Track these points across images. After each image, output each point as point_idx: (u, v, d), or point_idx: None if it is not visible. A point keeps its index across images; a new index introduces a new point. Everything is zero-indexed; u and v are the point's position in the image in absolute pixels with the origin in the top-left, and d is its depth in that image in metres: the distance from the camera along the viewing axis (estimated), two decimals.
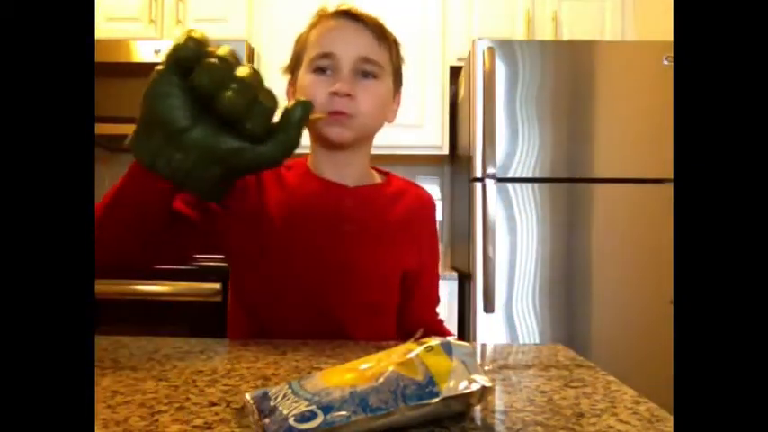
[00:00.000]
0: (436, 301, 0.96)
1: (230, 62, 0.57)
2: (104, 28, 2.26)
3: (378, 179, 0.90)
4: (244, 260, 0.82)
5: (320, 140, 0.82)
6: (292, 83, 0.87)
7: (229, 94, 0.55)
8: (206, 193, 0.63)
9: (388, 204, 0.87)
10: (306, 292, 0.79)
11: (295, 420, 0.32)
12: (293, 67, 0.86)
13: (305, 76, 0.80)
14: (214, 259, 1.90)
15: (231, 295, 0.87)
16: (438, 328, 0.93)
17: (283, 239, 0.79)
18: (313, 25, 0.83)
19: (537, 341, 1.78)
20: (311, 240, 0.79)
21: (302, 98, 0.79)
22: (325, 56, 0.78)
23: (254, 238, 0.79)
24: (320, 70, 0.78)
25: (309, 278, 0.79)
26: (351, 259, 0.80)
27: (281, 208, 0.80)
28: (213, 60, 0.55)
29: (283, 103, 0.66)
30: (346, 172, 0.84)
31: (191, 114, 0.57)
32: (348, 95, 0.76)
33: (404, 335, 0.88)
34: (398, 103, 0.88)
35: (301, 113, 0.61)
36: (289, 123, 0.60)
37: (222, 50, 0.57)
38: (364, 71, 0.79)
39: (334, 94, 0.76)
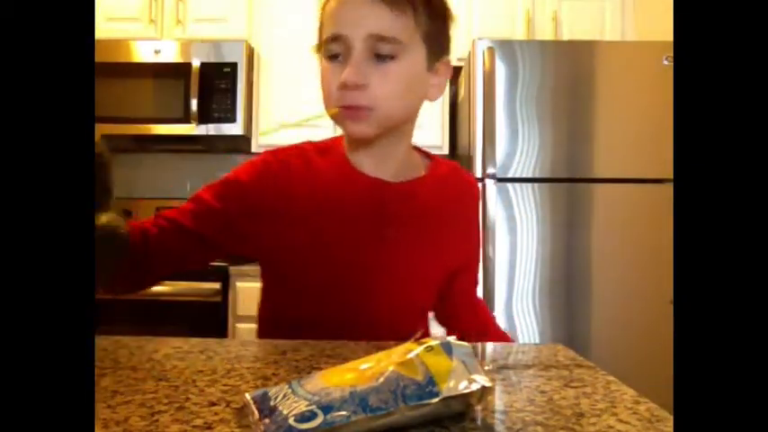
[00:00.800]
0: (476, 284, 0.93)
1: None
2: (104, 28, 2.26)
3: (421, 167, 0.80)
4: (270, 260, 0.76)
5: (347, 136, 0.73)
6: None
7: None
8: None
9: (431, 200, 0.78)
10: (340, 295, 0.73)
11: (295, 420, 0.32)
12: (318, 47, 0.74)
13: (321, 63, 0.71)
14: None
15: (263, 298, 0.82)
16: (498, 331, 0.89)
17: (316, 238, 0.72)
18: None
19: (537, 341, 1.78)
20: (347, 243, 0.73)
21: (321, 91, 0.70)
22: (335, 39, 0.67)
23: (279, 236, 0.72)
24: (333, 56, 0.68)
25: (343, 282, 0.73)
26: (390, 263, 0.74)
27: (312, 202, 0.72)
28: None
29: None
30: (386, 165, 0.75)
31: None
32: (358, 86, 0.65)
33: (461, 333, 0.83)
34: (446, 74, 0.75)
35: None
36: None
37: None
38: (378, 53, 0.66)
39: (343, 86, 0.66)
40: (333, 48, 0.68)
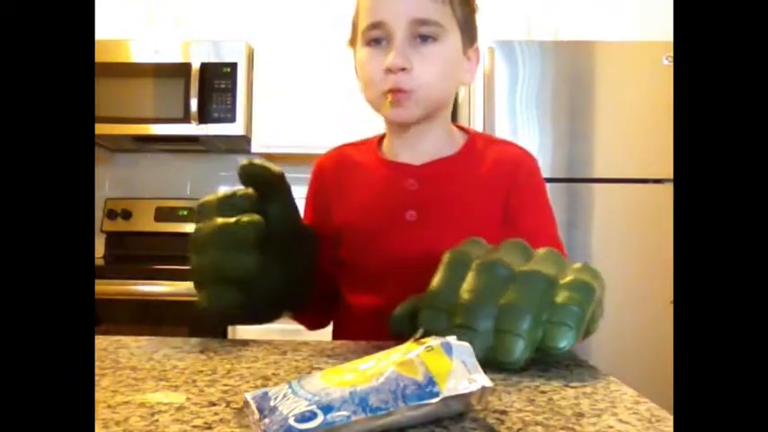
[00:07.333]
0: None
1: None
2: (104, 28, 2.26)
3: (460, 143, 0.80)
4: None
5: (388, 122, 0.78)
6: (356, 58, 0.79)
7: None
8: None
9: (461, 177, 0.77)
10: (376, 286, 0.75)
11: (295, 420, 0.32)
12: (352, 40, 0.78)
13: (360, 51, 0.73)
14: None
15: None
16: None
17: (350, 227, 0.78)
18: None
19: None
20: (373, 229, 0.76)
21: (362, 78, 0.75)
22: (375, 26, 0.70)
23: (332, 228, 0.80)
24: (374, 42, 0.71)
25: (376, 273, 0.75)
26: (417, 249, 0.72)
27: (345, 193, 0.80)
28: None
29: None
30: (420, 149, 0.77)
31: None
32: (403, 69, 0.68)
33: None
34: (477, 60, 0.80)
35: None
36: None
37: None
38: (421, 35, 0.69)
39: (388, 71, 0.68)
40: (374, 34, 0.70)
